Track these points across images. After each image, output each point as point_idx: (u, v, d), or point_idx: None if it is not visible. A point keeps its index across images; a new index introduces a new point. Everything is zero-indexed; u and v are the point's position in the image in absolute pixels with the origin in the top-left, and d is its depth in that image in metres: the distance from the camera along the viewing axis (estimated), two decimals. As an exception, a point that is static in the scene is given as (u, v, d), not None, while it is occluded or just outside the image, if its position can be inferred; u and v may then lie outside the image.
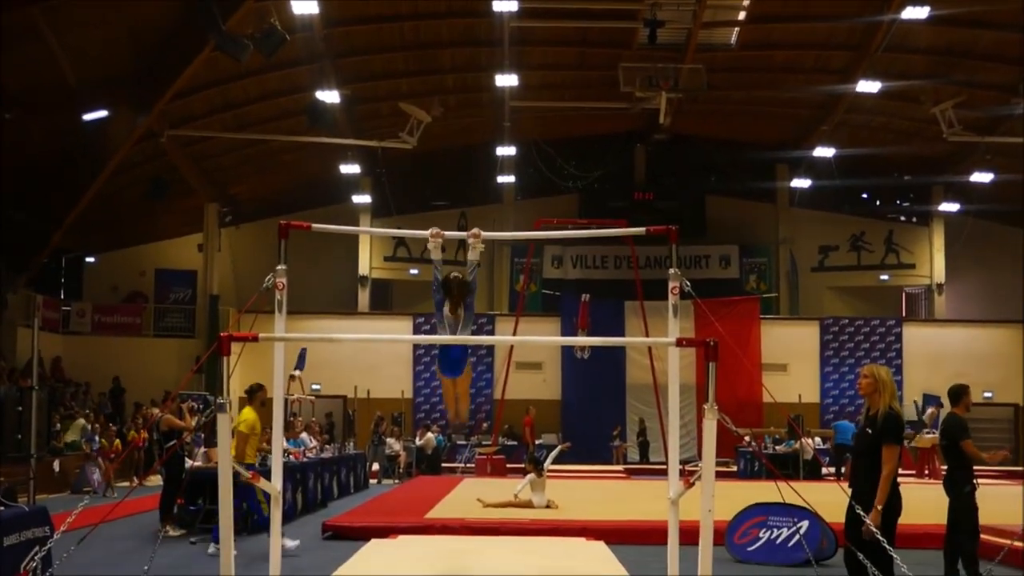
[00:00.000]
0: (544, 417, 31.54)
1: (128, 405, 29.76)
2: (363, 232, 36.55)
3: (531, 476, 16.91)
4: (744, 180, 36.03)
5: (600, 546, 12.22)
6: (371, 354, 32.83)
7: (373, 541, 12.67)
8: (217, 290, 33.68)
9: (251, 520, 14.50)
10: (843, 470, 23.45)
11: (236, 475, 6.76)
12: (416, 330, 33.41)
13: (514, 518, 14.93)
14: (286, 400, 17.93)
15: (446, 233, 8.34)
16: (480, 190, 36.12)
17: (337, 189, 34.92)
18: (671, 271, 8.10)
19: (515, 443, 30.49)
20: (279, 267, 7.91)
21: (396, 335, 32.85)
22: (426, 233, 8.18)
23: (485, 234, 8.20)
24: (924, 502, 11.75)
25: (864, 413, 7.92)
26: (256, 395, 12.89)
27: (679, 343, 6.81)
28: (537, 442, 29.68)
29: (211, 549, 12.58)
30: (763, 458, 23.82)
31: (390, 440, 27.47)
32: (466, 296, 8.13)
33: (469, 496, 18.32)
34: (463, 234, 8.25)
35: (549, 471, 17.01)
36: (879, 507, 7.35)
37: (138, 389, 29.93)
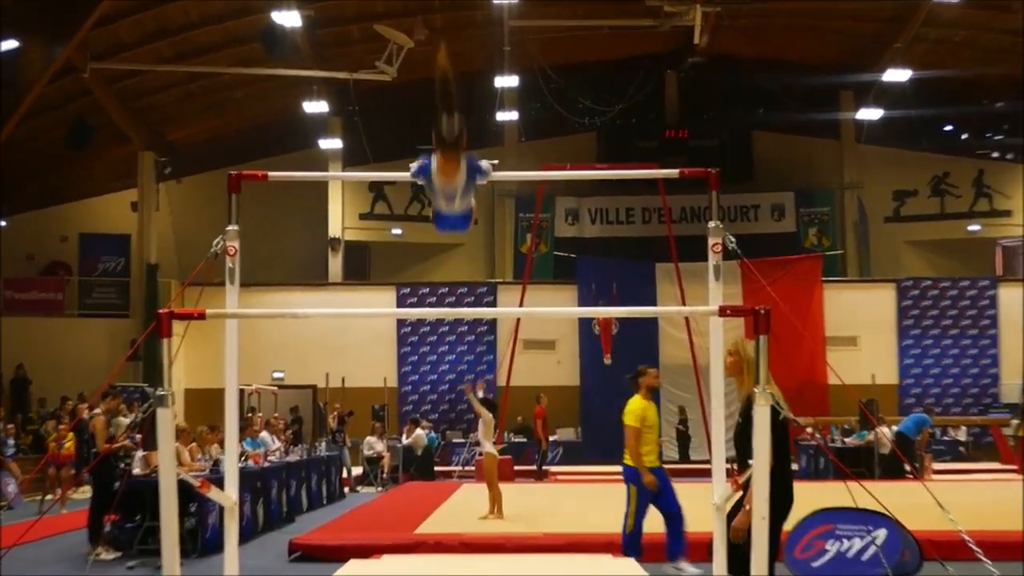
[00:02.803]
0: (559, 407, 31.50)
1: (34, 399, 29.76)
2: (332, 178, 36.54)
3: (489, 418, 17.67)
4: (800, 111, 35.88)
5: (630, 564, 12.24)
6: (346, 333, 32.85)
7: (351, 562, 12.68)
8: (155, 258, 33.67)
9: (201, 538, 14.53)
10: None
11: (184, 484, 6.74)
12: (400, 303, 33.41)
13: (523, 533, 14.93)
14: (241, 391, 17.88)
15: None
16: (476, 130, 35.85)
17: (300, 132, 34.84)
18: (712, 224, 8.05)
19: (524, 440, 30.53)
20: (230, 228, 7.86)
21: (376, 309, 32.84)
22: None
23: (494, 174, 8.14)
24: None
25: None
26: (640, 380, 12.73)
27: (723, 312, 6.76)
28: (551, 438, 29.73)
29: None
30: (829, 453, 23.85)
31: (370, 439, 27.51)
32: (466, 155, 7.31)
33: (468, 505, 18.35)
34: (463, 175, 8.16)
35: (561, 473, 17.12)
36: (748, 507, 7.41)
37: (61, 380, 29.90)
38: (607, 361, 30.69)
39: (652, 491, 12.33)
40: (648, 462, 12.48)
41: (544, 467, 27.99)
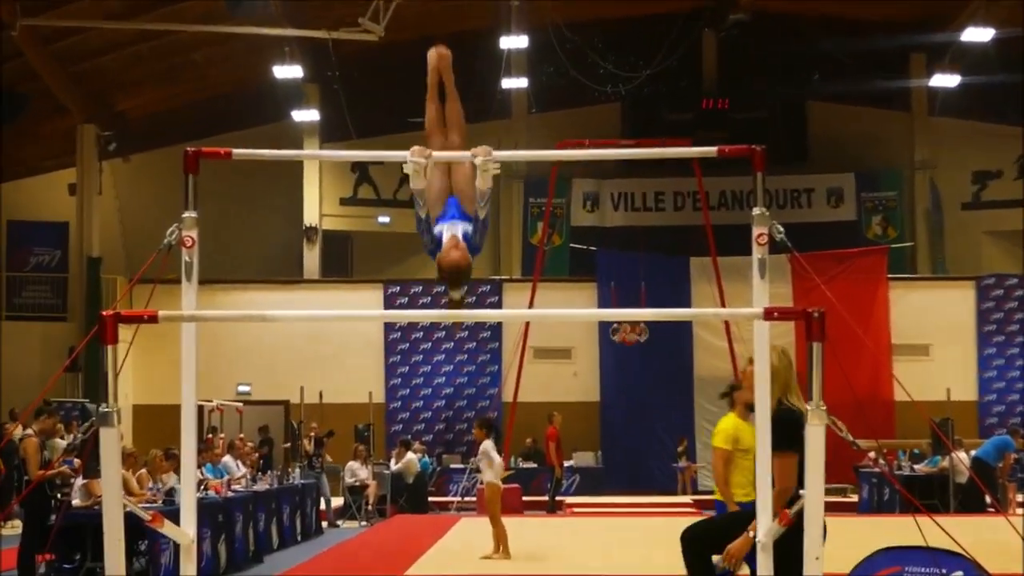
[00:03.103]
0: (576, 427, 31.49)
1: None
2: (308, 157, 36.52)
3: (488, 445, 17.70)
4: (863, 78, 35.84)
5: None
6: (324, 340, 32.83)
7: (331, 610, 12.71)
8: (98, 250, 33.65)
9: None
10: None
11: (132, 516, 6.75)
12: (388, 303, 33.38)
13: (534, 575, 14.95)
14: (200, 408, 17.90)
15: (436, 154, 8.26)
16: (478, 100, 35.88)
17: (271, 102, 34.79)
18: (757, 211, 8.05)
19: (535, 466, 30.52)
20: (187, 215, 7.87)
21: (359, 310, 32.84)
22: (403, 154, 8.09)
23: (497, 154, 8.14)
24: None
25: None
26: (735, 395, 11.90)
27: (769, 315, 6.76)
28: (566, 463, 29.72)
29: None
30: (895, 482, 23.84)
31: (353, 464, 27.53)
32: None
33: (468, 542, 18.38)
34: (462, 154, 8.16)
35: (578, 505, 17.19)
36: (751, 533, 7.67)
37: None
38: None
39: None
40: (739, 495, 11.61)
41: (558, 498, 28.01)
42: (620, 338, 32.18)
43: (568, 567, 15.75)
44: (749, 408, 11.55)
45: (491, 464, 17.62)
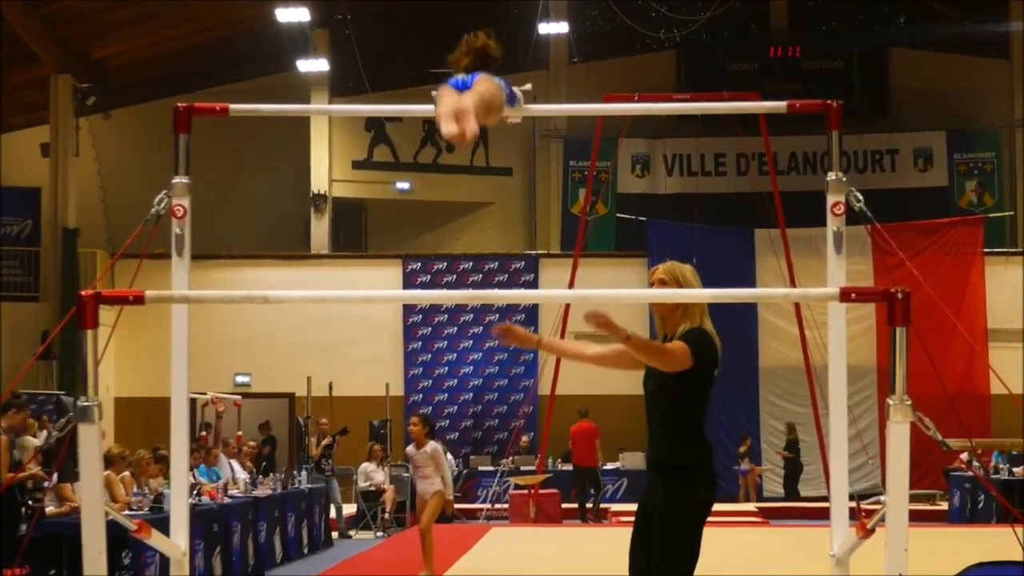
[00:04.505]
0: (622, 423, 31.20)
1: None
2: (316, 112, 36.53)
3: (435, 447, 16.89)
4: (955, 22, 35.71)
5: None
6: (334, 324, 32.90)
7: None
8: (75, 220, 33.68)
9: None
10: None
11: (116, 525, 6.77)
12: (408, 282, 33.44)
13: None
14: (193, 402, 17.98)
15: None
16: (512, 49, 35.76)
17: (273, 49, 34.81)
18: (832, 176, 8.05)
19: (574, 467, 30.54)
20: (177, 180, 7.89)
21: (375, 290, 32.94)
22: (427, 108, 8.13)
23: (533, 107, 8.18)
24: None
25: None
26: None
27: (846, 296, 6.77)
28: (610, 466, 29.71)
29: None
30: (991, 487, 23.80)
31: (367, 466, 27.59)
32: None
33: (498, 555, 18.44)
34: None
35: (624, 513, 16.88)
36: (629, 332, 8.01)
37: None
38: None
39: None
40: None
41: (602, 505, 28.01)
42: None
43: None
44: None
45: (440, 470, 16.84)
